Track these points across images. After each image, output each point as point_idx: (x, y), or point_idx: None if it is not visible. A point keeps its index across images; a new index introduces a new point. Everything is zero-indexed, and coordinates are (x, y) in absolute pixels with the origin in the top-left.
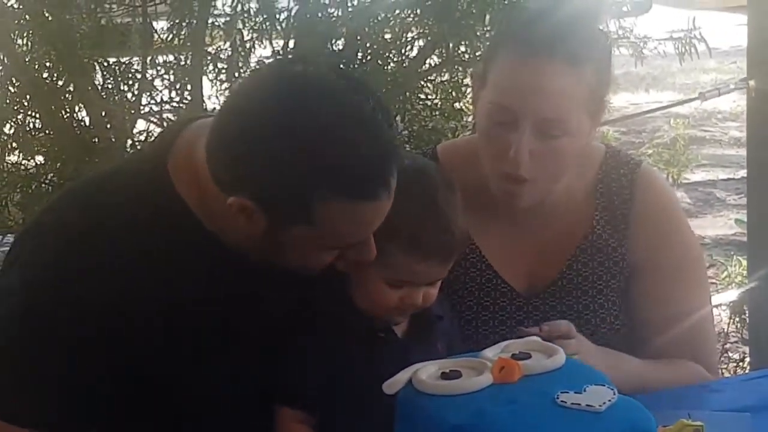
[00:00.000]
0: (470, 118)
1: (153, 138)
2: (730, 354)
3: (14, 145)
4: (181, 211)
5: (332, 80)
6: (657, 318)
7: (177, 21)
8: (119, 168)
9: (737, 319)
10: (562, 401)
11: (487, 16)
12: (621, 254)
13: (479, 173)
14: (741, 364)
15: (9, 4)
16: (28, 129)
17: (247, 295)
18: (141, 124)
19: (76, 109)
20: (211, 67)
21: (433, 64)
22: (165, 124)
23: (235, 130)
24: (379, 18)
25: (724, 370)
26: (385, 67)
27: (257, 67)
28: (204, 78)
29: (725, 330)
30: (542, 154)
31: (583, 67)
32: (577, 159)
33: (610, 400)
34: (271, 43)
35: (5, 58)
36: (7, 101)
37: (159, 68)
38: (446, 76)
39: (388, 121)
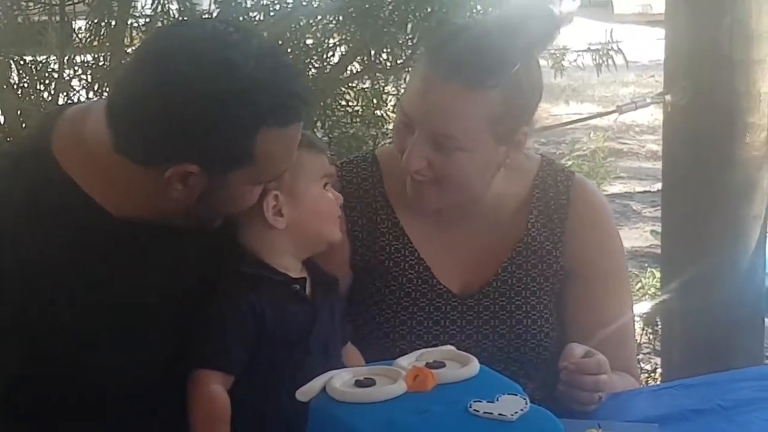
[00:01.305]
0: (390, 126)
1: (32, 124)
2: (642, 365)
3: None
4: (70, 188)
5: (221, 28)
6: (587, 322)
7: (96, 21)
8: (1, 153)
9: (650, 330)
10: (474, 410)
11: (409, 25)
12: (555, 257)
13: None
14: (653, 375)
15: None
16: None
17: (150, 265)
18: None
19: None
20: None
21: (354, 71)
22: None
23: (153, 104)
24: (301, 23)
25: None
26: (307, 73)
27: None
28: None
29: (638, 341)
30: (439, 165)
31: (484, 92)
32: (485, 174)
33: (522, 410)
34: None
35: None
36: None
37: (77, 68)
38: (367, 84)
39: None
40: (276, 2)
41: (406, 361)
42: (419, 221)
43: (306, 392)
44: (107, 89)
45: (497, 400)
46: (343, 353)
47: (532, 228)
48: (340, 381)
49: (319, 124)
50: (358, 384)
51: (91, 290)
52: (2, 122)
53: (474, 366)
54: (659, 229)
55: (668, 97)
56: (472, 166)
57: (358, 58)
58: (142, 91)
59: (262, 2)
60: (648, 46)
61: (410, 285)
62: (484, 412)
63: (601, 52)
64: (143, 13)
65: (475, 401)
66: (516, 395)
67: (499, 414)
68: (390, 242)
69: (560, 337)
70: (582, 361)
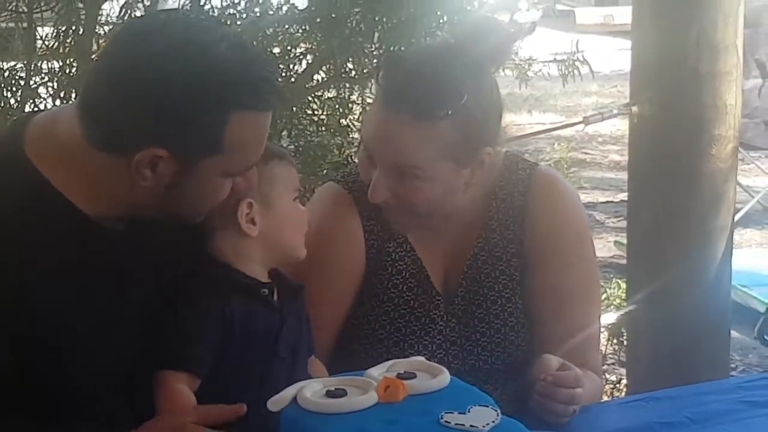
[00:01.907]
0: (356, 135)
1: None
2: (608, 376)
3: None
4: (45, 189)
5: (192, 16)
6: (551, 307)
7: (63, 28)
8: None
9: (615, 341)
10: (446, 421)
11: (376, 34)
12: (516, 246)
13: None
14: (618, 386)
15: None
16: None
17: (125, 265)
18: None
19: None
20: None
21: (320, 80)
22: None
23: (124, 89)
24: (268, 32)
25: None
26: None
27: None
28: None
29: (603, 352)
30: (403, 194)
31: (435, 121)
32: (452, 197)
33: (493, 422)
34: None
35: None
36: None
37: (44, 76)
38: (333, 93)
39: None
40: (243, 11)
41: (377, 372)
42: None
43: (277, 402)
44: (74, 97)
45: (469, 411)
46: (309, 364)
47: (491, 220)
48: (311, 391)
49: (285, 132)
50: (330, 394)
51: (67, 290)
52: None
53: (445, 377)
54: (623, 240)
55: (635, 108)
56: (436, 192)
57: (324, 67)
58: (112, 78)
59: (228, 11)
60: (610, 56)
61: (410, 293)
62: (456, 424)
63: (566, 63)
64: (110, 21)
65: (446, 412)
66: (487, 407)
67: (471, 425)
68: (395, 249)
69: (527, 327)
70: (559, 374)
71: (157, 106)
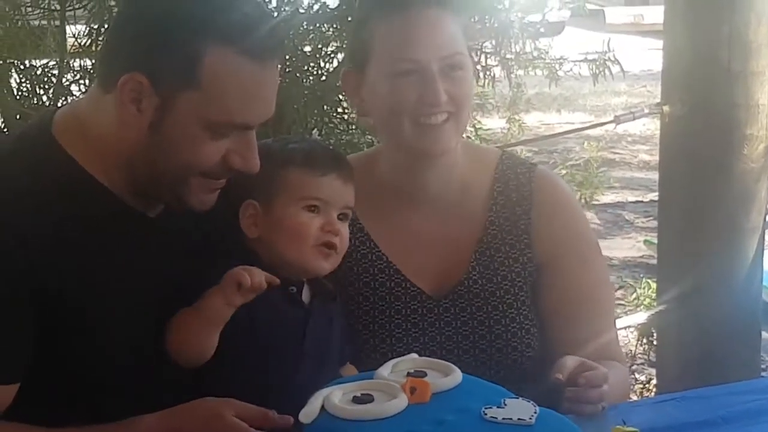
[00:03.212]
0: None
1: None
2: (637, 375)
3: None
4: (69, 165)
5: None
6: (565, 308)
7: (96, 26)
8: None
9: (645, 341)
10: (491, 417)
11: None
12: (521, 250)
13: (377, 181)
14: (647, 386)
15: None
16: None
17: (150, 245)
18: None
19: None
20: None
21: None
22: None
23: (115, 23)
24: (300, 30)
25: (630, 393)
26: (304, 81)
27: None
28: None
29: (633, 352)
30: (453, 91)
31: (450, 7)
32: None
33: (535, 413)
34: None
35: None
36: None
37: (76, 73)
38: None
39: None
40: (274, 9)
41: (385, 371)
42: (384, 225)
43: (309, 414)
44: None
45: (505, 404)
46: (343, 373)
47: (491, 226)
48: (337, 398)
49: (315, 130)
50: (357, 400)
51: (96, 265)
52: (2, 126)
53: (458, 373)
54: (652, 239)
55: (666, 108)
56: (471, 83)
57: None
58: (114, 20)
59: None
60: (640, 56)
61: (383, 289)
62: (503, 419)
63: (597, 62)
64: None
65: (486, 407)
66: (518, 398)
67: (519, 419)
68: (356, 248)
69: (539, 329)
70: (589, 374)
71: (138, 30)
